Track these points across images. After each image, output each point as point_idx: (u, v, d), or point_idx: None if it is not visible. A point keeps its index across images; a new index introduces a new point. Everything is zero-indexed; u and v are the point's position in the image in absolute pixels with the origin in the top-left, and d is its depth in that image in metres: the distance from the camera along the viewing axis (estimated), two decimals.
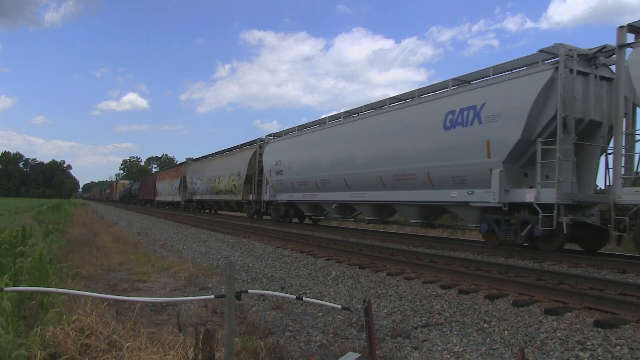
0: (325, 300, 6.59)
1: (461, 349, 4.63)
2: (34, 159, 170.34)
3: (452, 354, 4.53)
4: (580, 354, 4.27)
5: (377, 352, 4.19)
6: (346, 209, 17.53)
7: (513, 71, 11.08)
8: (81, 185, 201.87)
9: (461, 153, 11.32)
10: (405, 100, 14.56)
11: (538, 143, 9.79)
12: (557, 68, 9.58)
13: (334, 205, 17.44)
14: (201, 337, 3.42)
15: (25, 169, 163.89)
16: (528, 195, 9.94)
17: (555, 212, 9.32)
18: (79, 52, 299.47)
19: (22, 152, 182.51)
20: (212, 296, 3.56)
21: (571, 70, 9.57)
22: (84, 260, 9.19)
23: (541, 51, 10.04)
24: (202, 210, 35.41)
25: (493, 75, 11.35)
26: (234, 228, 18.26)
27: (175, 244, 14.54)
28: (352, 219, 18.65)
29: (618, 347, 4.31)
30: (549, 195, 9.51)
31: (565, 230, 9.32)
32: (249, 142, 26.50)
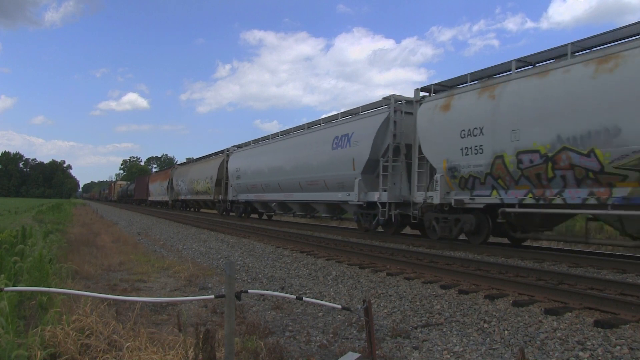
0: (325, 300, 6.59)
1: (461, 349, 4.63)
2: (34, 159, 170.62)
3: (452, 354, 4.53)
4: (580, 354, 4.27)
5: (377, 352, 4.19)
6: (284, 206, 22.25)
7: (370, 110, 16.00)
8: (81, 185, 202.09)
9: (341, 166, 16.20)
10: (315, 125, 19.91)
11: (381, 161, 14.51)
12: (393, 110, 14.43)
13: (274, 203, 22.67)
14: (201, 337, 3.42)
15: (25, 169, 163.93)
16: (376, 196, 14.67)
17: (387, 207, 14.20)
18: (79, 52, 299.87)
19: (22, 152, 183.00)
20: (212, 296, 3.56)
21: (401, 112, 14.41)
22: (84, 260, 9.18)
23: (384, 98, 15.01)
24: (186, 209, 40.01)
25: (361, 112, 16.37)
26: (233, 228, 18.27)
27: (175, 244, 14.54)
28: (291, 215, 23.32)
29: (618, 347, 4.31)
30: (385, 196, 14.21)
31: (393, 220, 14.22)
32: (220, 151, 31.92)
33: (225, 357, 3.20)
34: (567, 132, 9.17)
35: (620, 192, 8.54)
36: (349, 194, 15.74)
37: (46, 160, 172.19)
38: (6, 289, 3.42)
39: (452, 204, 11.92)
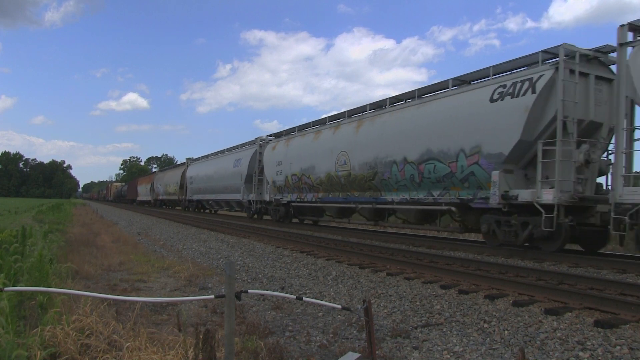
0: (325, 300, 6.59)
1: (461, 349, 4.63)
2: (34, 159, 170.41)
3: (452, 354, 4.53)
4: (580, 354, 4.27)
5: (377, 352, 4.19)
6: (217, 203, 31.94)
7: (247, 146, 24.95)
8: (81, 185, 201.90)
9: (235, 177, 26.91)
10: (226, 151, 28.82)
11: (254, 176, 21.49)
12: (259, 146, 21.46)
13: (210, 200, 31.55)
14: (201, 337, 3.42)
15: (25, 169, 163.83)
16: (249, 196, 21.97)
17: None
18: (80, 52, 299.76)
19: (22, 152, 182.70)
20: (212, 296, 3.56)
21: (262, 146, 21.09)
22: (84, 260, 9.18)
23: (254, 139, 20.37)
24: (162, 207, 48.32)
25: (246, 146, 25.81)
26: (233, 228, 18.27)
27: (175, 244, 14.54)
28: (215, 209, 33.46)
29: (618, 347, 4.31)
30: (251, 197, 23.06)
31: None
32: (183, 162, 39.61)
33: (225, 357, 3.20)
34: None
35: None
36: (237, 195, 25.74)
37: (46, 160, 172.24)
38: (6, 289, 3.41)
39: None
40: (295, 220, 22.21)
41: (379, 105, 15.94)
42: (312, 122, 20.46)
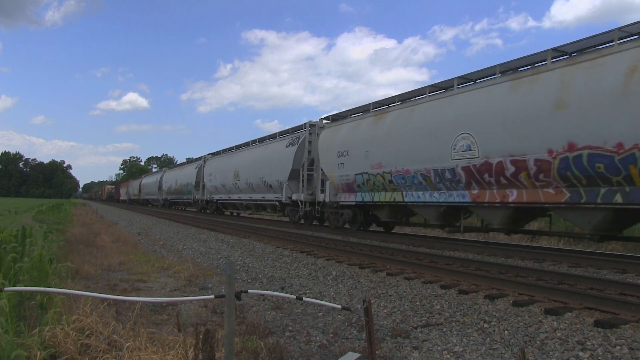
0: (325, 300, 6.58)
1: (461, 349, 4.63)
2: (34, 159, 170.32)
3: (452, 354, 4.53)
4: (580, 354, 4.27)
5: (377, 352, 4.19)
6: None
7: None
8: (81, 185, 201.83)
9: None
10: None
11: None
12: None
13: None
14: (201, 337, 3.42)
15: (25, 169, 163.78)
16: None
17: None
18: (80, 52, 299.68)
19: (22, 152, 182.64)
20: (212, 296, 3.56)
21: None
22: (84, 260, 9.18)
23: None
24: (131, 204, 63.06)
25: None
26: (234, 228, 18.27)
27: (175, 244, 14.54)
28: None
29: (618, 347, 4.31)
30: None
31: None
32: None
33: (225, 357, 3.20)
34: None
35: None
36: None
37: (46, 160, 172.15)
38: (6, 289, 3.41)
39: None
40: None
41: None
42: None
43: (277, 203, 21.35)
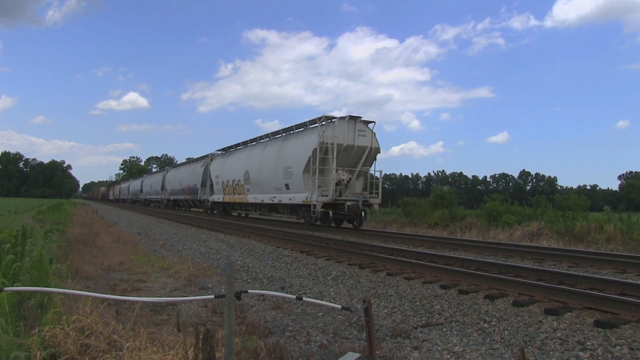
0: (325, 300, 6.58)
1: (461, 349, 4.63)
2: (34, 159, 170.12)
3: (452, 354, 4.53)
4: (580, 354, 4.27)
5: (377, 352, 4.19)
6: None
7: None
8: (81, 185, 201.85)
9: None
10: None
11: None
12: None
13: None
14: (201, 337, 3.41)
15: (25, 169, 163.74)
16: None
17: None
18: (80, 52, 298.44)
19: (22, 152, 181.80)
20: (212, 296, 3.56)
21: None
22: (84, 260, 9.18)
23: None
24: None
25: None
26: (234, 228, 18.27)
27: (175, 244, 14.53)
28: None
29: (618, 347, 4.31)
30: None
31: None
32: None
33: (225, 357, 3.20)
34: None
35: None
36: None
37: (46, 160, 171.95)
38: (6, 289, 3.41)
39: None
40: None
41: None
42: None
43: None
